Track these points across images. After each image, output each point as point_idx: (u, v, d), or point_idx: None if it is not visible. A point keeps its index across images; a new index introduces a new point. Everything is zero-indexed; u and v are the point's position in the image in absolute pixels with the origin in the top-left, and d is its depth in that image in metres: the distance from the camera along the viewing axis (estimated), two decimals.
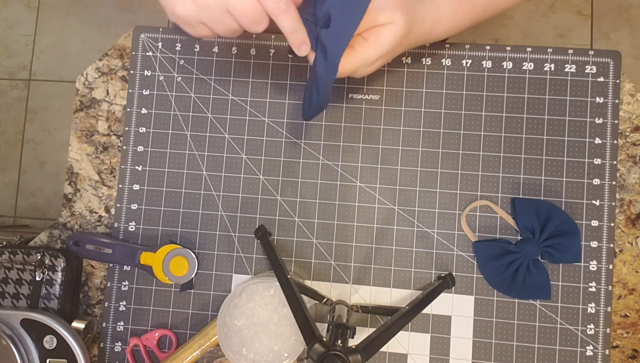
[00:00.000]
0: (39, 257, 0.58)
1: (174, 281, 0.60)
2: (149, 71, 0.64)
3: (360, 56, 0.44)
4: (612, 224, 0.58)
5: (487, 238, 0.59)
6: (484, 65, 0.61)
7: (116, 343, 0.61)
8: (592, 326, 0.57)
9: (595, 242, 0.58)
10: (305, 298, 0.51)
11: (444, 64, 0.61)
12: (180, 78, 0.64)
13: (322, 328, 0.58)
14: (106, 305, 0.61)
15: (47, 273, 0.58)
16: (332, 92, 0.62)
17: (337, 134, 0.62)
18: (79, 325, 0.59)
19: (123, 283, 0.61)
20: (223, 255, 0.61)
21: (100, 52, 0.69)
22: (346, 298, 0.60)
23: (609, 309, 0.57)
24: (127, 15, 1.57)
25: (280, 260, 0.53)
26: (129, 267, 0.61)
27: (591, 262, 0.58)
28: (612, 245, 0.58)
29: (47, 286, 0.58)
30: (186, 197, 0.62)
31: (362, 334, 0.55)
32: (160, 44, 0.64)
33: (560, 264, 0.58)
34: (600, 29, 1.44)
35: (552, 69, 0.61)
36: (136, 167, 0.63)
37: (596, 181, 0.59)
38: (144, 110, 0.63)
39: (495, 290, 0.58)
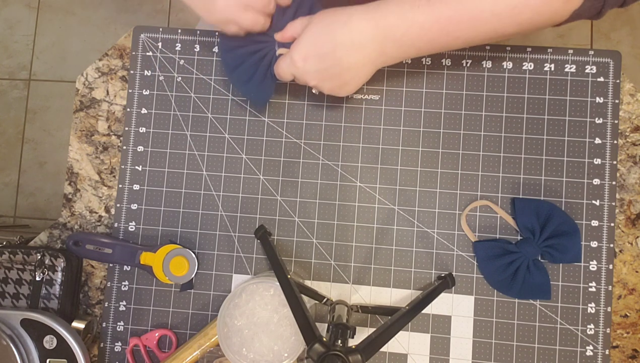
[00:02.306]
0: (39, 257, 0.58)
1: (174, 281, 0.60)
2: (149, 71, 0.64)
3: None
4: (612, 224, 0.58)
5: (487, 238, 0.59)
6: (484, 65, 0.61)
7: (116, 343, 0.61)
8: (592, 326, 0.57)
9: (595, 242, 0.58)
10: (305, 298, 0.51)
11: (444, 64, 0.61)
12: (180, 78, 0.64)
13: (322, 328, 0.58)
14: (106, 305, 0.61)
15: (47, 273, 0.58)
16: None
17: (337, 134, 0.62)
18: (79, 325, 0.59)
19: (123, 283, 0.61)
20: (223, 255, 0.61)
21: (100, 52, 0.69)
22: (346, 298, 0.60)
23: (609, 309, 0.57)
24: (127, 15, 1.57)
25: (280, 260, 0.53)
26: (129, 267, 0.61)
27: (591, 262, 0.58)
28: (612, 245, 0.58)
29: (47, 286, 0.58)
30: (186, 197, 0.62)
31: (362, 334, 0.55)
32: (160, 44, 0.64)
33: (560, 264, 0.58)
34: (600, 29, 1.44)
35: (552, 69, 0.61)
36: (136, 167, 0.63)
37: (596, 181, 0.59)
38: (144, 110, 0.63)
39: (495, 290, 0.58)
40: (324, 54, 0.45)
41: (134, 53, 0.64)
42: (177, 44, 0.64)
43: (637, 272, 0.59)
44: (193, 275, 0.60)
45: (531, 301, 0.58)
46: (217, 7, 0.47)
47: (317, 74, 0.47)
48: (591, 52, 0.60)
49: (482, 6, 0.43)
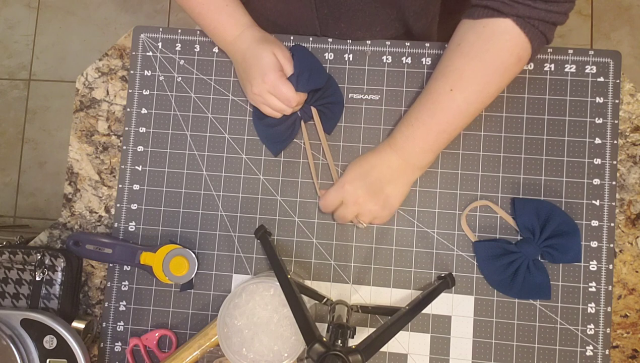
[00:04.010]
0: (39, 257, 0.58)
1: (174, 281, 0.60)
2: (149, 71, 0.64)
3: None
4: (612, 224, 0.58)
5: (487, 238, 0.59)
6: None
7: (116, 343, 0.61)
8: (592, 326, 0.57)
9: (595, 242, 0.58)
10: (305, 298, 0.51)
11: None
12: (180, 78, 0.64)
13: (322, 328, 0.58)
14: (106, 305, 0.61)
15: (47, 273, 0.58)
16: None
17: (337, 134, 0.61)
18: (79, 325, 0.59)
19: (123, 283, 0.61)
20: (223, 255, 0.61)
21: (100, 52, 0.69)
22: (346, 298, 0.60)
23: (609, 309, 0.57)
24: (127, 15, 1.57)
25: (280, 260, 0.53)
26: (129, 267, 0.61)
27: (591, 262, 0.58)
28: (612, 245, 0.58)
29: (47, 286, 0.58)
30: (186, 197, 0.62)
31: (362, 334, 0.55)
32: (160, 44, 0.64)
33: (560, 264, 0.58)
34: (600, 29, 1.44)
35: (552, 69, 0.61)
36: (136, 167, 0.63)
37: (596, 181, 0.59)
38: (144, 110, 0.63)
39: (495, 290, 0.58)
40: (365, 172, 0.56)
41: (134, 53, 0.64)
42: (177, 44, 0.64)
43: (637, 272, 0.59)
44: (193, 275, 0.60)
45: (531, 301, 0.58)
46: (249, 95, 0.58)
47: (363, 191, 0.55)
48: (591, 52, 0.60)
49: (456, 103, 0.52)
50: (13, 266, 0.58)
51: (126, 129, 0.63)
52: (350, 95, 0.62)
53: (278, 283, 0.50)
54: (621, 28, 1.44)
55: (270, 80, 0.55)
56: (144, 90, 0.64)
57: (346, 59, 0.62)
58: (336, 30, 0.61)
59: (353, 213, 0.57)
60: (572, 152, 0.59)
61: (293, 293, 0.48)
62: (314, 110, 0.59)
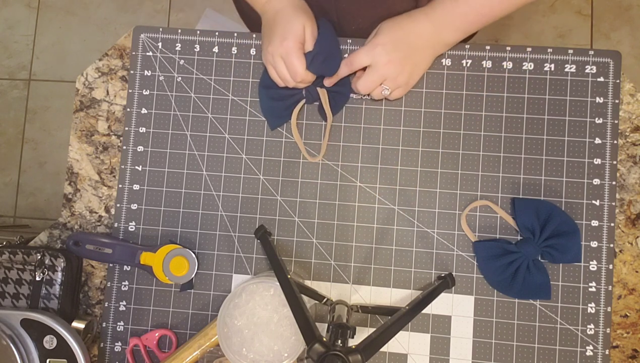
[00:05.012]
0: (39, 257, 0.58)
1: (174, 281, 0.60)
2: (149, 71, 0.64)
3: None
4: (612, 224, 0.58)
5: (487, 238, 0.59)
6: (484, 65, 0.61)
7: (116, 343, 0.61)
8: (592, 326, 0.57)
9: (595, 242, 0.58)
10: (305, 298, 0.51)
11: (444, 64, 0.61)
12: (180, 78, 0.64)
13: (322, 328, 0.58)
14: (106, 305, 0.61)
15: (47, 273, 0.58)
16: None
17: (337, 134, 0.62)
18: (79, 325, 0.59)
19: (123, 283, 0.61)
20: (223, 255, 0.61)
21: (100, 52, 0.69)
22: (346, 298, 0.60)
23: (609, 309, 0.57)
24: (127, 15, 1.57)
25: (280, 260, 0.53)
26: (129, 267, 0.61)
27: (591, 262, 0.58)
28: (612, 245, 0.58)
29: (47, 286, 0.58)
30: (186, 197, 0.62)
31: (362, 334, 0.55)
32: (160, 44, 0.64)
33: (560, 264, 0.58)
34: (600, 29, 1.44)
35: (552, 69, 0.61)
36: (136, 167, 0.63)
37: (596, 181, 0.59)
38: (144, 110, 0.63)
39: (495, 290, 0.58)
40: (399, 37, 0.55)
41: (134, 53, 0.64)
42: (177, 44, 0.64)
43: (637, 272, 0.59)
44: (193, 275, 0.60)
45: (531, 301, 0.58)
46: (263, 51, 0.59)
47: (394, 56, 0.55)
48: (591, 52, 0.60)
49: None
50: (13, 266, 0.58)
51: (126, 129, 0.63)
52: (350, 95, 0.62)
53: (278, 283, 0.50)
54: (621, 28, 1.44)
55: (287, 45, 0.55)
56: (144, 90, 0.64)
57: None
58: (353, 25, 0.62)
59: (380, 78, 0.56)
60: (572, 152, 0.59)
61: (293, 293, 0.48)
62: (322, 92, 0.60)
